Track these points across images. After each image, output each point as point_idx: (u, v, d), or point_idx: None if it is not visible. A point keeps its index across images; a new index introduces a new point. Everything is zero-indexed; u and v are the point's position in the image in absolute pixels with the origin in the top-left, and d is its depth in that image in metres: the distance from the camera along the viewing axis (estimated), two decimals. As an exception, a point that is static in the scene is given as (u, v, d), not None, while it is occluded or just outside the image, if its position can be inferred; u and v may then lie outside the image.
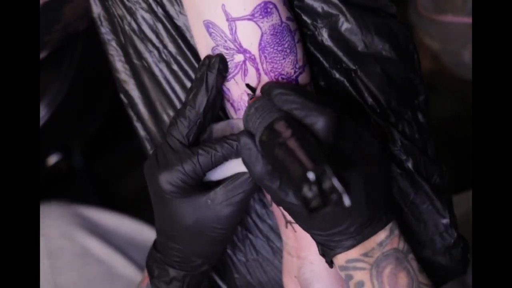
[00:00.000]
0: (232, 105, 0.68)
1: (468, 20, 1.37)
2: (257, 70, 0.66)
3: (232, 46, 0.65)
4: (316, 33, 0.71)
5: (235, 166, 0.66)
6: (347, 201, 0.52)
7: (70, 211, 1.07)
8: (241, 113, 0.68)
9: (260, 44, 0.65)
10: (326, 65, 0.72)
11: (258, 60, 0.66)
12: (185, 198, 0.66)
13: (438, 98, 1.48)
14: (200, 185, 0.67)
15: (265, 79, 0.66)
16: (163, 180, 0.65)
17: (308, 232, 0.65)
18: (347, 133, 0.62)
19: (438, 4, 1.42)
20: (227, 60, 0.66)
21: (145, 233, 1.09)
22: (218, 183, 0.67)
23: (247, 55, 0.65)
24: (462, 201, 0.76)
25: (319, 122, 0.59)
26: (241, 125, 0.67)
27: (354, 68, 0.71)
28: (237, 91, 0.67)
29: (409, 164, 0.72)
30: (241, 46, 0.65)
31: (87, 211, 1.08)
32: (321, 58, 0.72)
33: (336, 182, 0.52)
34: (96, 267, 1.01)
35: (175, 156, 0.65)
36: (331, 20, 0.70)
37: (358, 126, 0.64)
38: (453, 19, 1.39)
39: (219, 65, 0.65)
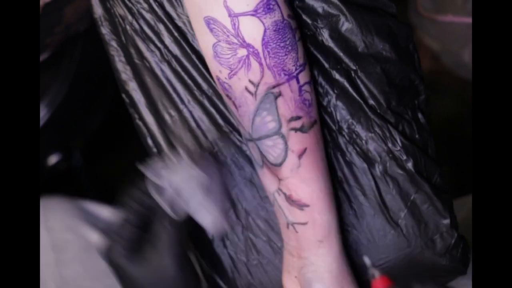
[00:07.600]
0: (234, 102, 0.68)
1: (468, 20, 1.37)
2: (261, 64, 0.65)
3: (235, 40, 0.65)
4: (317, 33, 0.71)
5: None
6: None
7: (74, 205, 1.07)
8: (242, 110, 0.68)
9: (263, 39, 0.65)
10: (326, 65, 0.72)
11: (261, 55, 0.65)
12: None
13: (438, 98, 1.48)
14: None
15: (268, 74, 0.66)
16: None
17: None
18: None
19: (438, 4, 1.42)
20: (230, 55, 0.66)
21: None
22: None
23: (250, 49, 0.65)
24: (463, 205, 0.76)
25: None
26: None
27: (354, 68, 0.71)
28: (239, 88, 0.67)
29: (410, 165, 0.72)
30: (244, 41, 0.65)
31: (91, 206, 1.09)
32: (321, 59, 0.72)
33: None
34: (100, 261, 1.02)
35: None
36: (331, 21, 0.70)
37: None
38: (453, 19, 1.39)
39: None
